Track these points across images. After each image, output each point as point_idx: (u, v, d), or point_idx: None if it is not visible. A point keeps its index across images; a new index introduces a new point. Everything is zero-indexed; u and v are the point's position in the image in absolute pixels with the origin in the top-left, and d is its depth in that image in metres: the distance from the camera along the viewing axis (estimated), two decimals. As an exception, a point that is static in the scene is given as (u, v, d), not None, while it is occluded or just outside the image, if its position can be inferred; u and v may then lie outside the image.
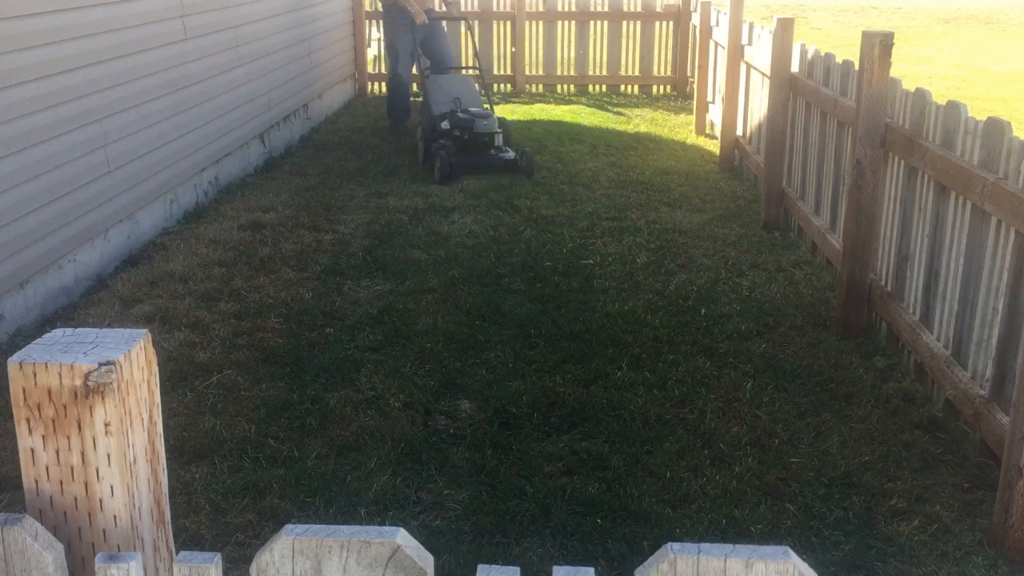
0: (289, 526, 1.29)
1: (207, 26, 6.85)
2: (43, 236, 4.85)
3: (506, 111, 10.63)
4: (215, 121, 7.07)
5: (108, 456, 1.36)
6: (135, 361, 1.39)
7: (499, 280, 5.43)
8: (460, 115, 7.75)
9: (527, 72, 11.88)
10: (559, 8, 11.69)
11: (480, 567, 1.26)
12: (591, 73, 11.85)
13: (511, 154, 7.75)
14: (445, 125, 7.93)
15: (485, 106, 8.29)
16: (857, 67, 4.69)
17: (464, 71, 9.25)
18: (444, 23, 9.33)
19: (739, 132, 7.99)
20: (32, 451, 1.37)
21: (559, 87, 11.95)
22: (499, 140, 7.81)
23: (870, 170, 4.56)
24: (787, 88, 6.27)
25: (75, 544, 1.40)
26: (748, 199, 7.15)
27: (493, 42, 11.75)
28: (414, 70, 9.47)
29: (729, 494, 3.37)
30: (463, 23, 8.80)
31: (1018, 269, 3.37)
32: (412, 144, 8.76)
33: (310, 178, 7.68)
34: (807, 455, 3.63)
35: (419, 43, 8.92)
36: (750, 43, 7.47)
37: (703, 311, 4.97)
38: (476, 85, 8.61)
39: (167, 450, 2.41)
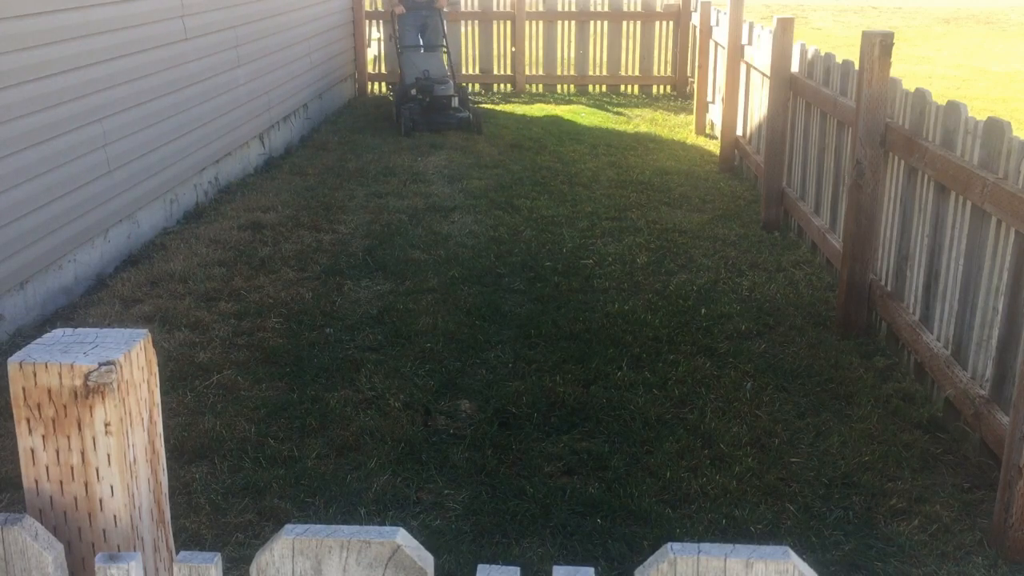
0: (289, 526, 1.29)
1: (207, 26, 6.85)
2: (43, 236, 4.85)
3: (506, 111, 10.64)
4: (215, 121, 7.07)
5: (108, 456, 1.36)
6: (135, 361, 1.39)
7: (499, 280, 5.43)
8: (423, 82, 9.35)
9: (527, 72, 11.88)
10: (559, 8, 11.69)
11: (480, 567, 1.26)
12: (591, 73, 11.85)
13: (466, 113, 9.34)
14: (414, 91, 9.43)
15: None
16: (857, 67, 4.69)
17: (434, 49, 10.42)
18: (441, 14, 10.35)
19: (739, 132, 7.98)
20: (32, 451, 1.37)
21: (559, 87, 11.95)
22: (455, 102, 9.38)
23: (870, 170, 4.56)
24: (787, 88, 6.26)
25: (75, 544, 1.40)
26: (748, 199, 7.14)
27: (493, 42, 11.75)
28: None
29: (729, 494, 3.37)
30: (440, 12, 10.22)
31: (1018, 269, 3.37)
32: (412, 143, 8.85)
33: (310, 178, 7.68)
34: (807, 455, 3.63)
35: (419, 29, 10.19)
36: (750, 43, 7.47)
37: (703, 311, 4.97)
38: (444, 61, 9.96)
39: (167, 450, 2.41)
